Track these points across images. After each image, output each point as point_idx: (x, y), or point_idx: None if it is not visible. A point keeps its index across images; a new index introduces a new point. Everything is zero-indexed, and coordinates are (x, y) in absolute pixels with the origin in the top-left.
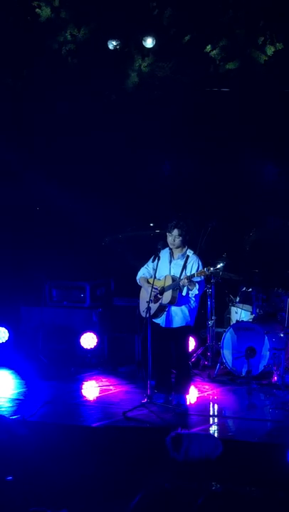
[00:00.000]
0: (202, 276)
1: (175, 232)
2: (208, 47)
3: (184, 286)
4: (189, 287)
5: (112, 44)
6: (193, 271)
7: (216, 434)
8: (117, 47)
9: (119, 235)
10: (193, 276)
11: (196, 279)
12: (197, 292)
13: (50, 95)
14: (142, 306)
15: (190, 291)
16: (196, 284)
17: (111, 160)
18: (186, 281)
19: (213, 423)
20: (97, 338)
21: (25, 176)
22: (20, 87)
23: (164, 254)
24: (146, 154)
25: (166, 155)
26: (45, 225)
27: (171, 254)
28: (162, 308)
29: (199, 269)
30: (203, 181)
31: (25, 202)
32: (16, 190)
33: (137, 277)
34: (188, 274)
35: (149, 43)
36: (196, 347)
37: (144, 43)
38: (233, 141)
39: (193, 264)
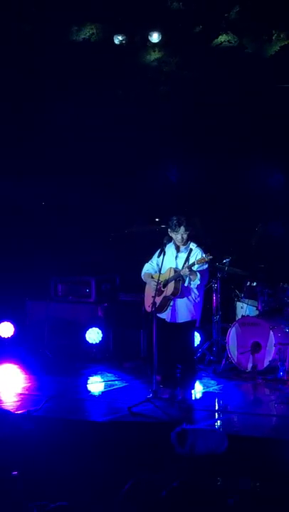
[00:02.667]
0: (204, 266)
1: (182, 229)
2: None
3: (185, 275)
4: (191, 277)
5: (117, 39)
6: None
7: (221, 429)
8: (123, 42)
9: (124, 230)
10: (193, 264)
11: (198, 267)
12: (199, 282)
13: (55, 92)
14: (147, 302)
15: (192, 282)
16: (198, 274)
17: (117, 156)
18: (186, 270)
19: (219, 418)
20: (103, 333)
21: (31, 171)
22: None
23: (169, 248)
24: (153, 150)
25: (173, 150)
26: (50, 220)
27: (176, 249)
28: (166, 301)
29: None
30: (209, 178)
31: (30, 197)
32: (21, 186)
33: (142, 274)
34: (185, 267)
35: (155, 37)
36: (202, 342)
37: (150, 38)
38: (240, 141)
39: (197, 256)
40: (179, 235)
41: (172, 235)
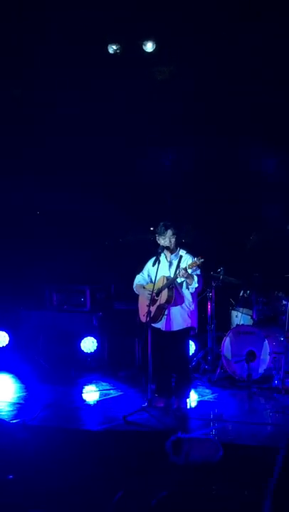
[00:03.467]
0: (197, 271)
1: (169, 232)
2: None
3: (182, 277)
4: (187, 280)
5: (112, 48)
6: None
7: (216, 438)
8: (117, 51)
9: (119, 239)
10: (185, 269)
11: (191, 273)
12: (197, 285)
13: (51, 97)
14: (142, 312)
15: (190, 286)
16: (195, 277)
17: (112, 164)
18: (184, 273)
19: (214, 427)
20: (98, 342)
21: (26, 180)
22: (20, 89)
23: (163, 257)
24: (148, 160)
25: (166, 154)
26: (45, 229)
27: (166, 257)
28: (161, 310)
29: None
30: (204, 187)
31: (25, 206)
32: (16, 194)
33: (134, 286)
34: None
35: (149, 47)
36: (197, 351)
37: (144, 47)
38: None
39: (187, 262)
40: (166, 238)
41: (160, 240)
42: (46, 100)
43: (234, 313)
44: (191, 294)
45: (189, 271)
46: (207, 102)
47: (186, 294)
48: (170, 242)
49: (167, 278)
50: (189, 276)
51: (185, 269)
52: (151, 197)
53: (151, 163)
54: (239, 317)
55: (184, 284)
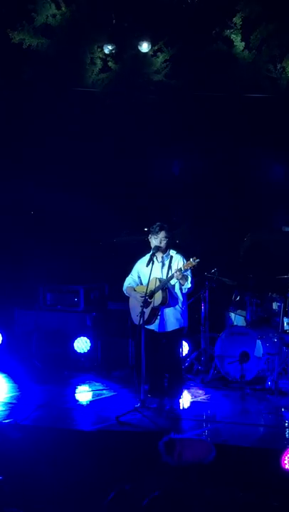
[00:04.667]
0: (190, 274)
1: (162, 234)
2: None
3: (177, 279)
4: (181, 281)
5: (107, 48)
6: (180, 267)
7: (208, 439)
8: (113, 51)
9: (113, 239)
10: (180, 270)
11: (185, 274)
12: (190, 286)
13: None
14: (134, 314)
15: (183, 287)
16: (188, 277)
17: (106, 164)
18: (179, 274)
19: (206, 428)
20: (91, 342)
21: (19, 180)
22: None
23: (155, 258)
24: (142, 158)
25: (164, 160)
26: (39, 229)
27: (157, 258)
28: (155, 312)
29: (184, 263)
30: (198, 189)
31: (19, 206)
32: (10, 195)
33: (124, 288)
34: (174, 272)
35: (145, 47)
36: (190, 351)
37: (140, 48)
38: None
39: (178, 262)
40: (158, 239)
41: (152, 239)
42: (45, 99)
43: (228, 314)
44: (182, 294)
45: (186, 272)
46: (201, 105)
47: (178, 294)
48: (161, 242)
49: (160, 280)
50: (183, 277)
51: (180, 270)
52: (146, 197)
53: (146, 164)
54: (233, 318)
55: (177, 285)
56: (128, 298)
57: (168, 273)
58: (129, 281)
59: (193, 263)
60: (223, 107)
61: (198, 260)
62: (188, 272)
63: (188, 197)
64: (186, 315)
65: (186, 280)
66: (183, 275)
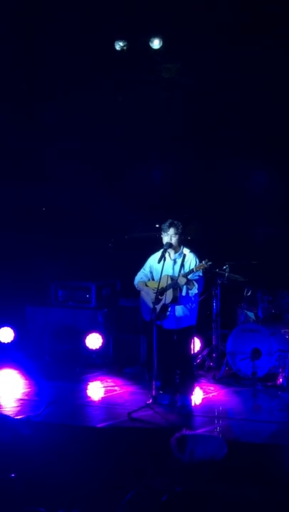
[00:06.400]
0: (201, 274)
1: (171, 231)
2: None
3: (182, 285)
4: (188, 287)
5: (118, 45)
6: (192, 267)
7: (220, 436)
8: (124, 48)
9: (125, 235)
10: (192, 271)
11: (195, 275)
12: (197, 291)
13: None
14: (144, 310)
15: (190, 291)
16: (195, 284)
17: (119, 162)
18: (183, 279)
19: (218, 424)
20: (103, 338)
21: (31, 176)
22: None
23: (167, 255)
24: (155, 157)
25: (174, 157)
26: (51, 226)
27: (169, 255)
28: (165, 309)
29: (197, 264)
30: (210, 185)
31: (31, 202)
32: (22, 191)
33: (135, 282)
34: (186, 271)
35: (156, 44)
36: (202, 348)
37: (151, 44)
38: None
39: (191, 262)
40: (168, 235)
41: (163, 236)
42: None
43: (240, 310)
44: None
45: (196, 275)
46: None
47: (191, 295)
48: (171, 239)
49: (172, 278)
50: (189, 283)
51: (185, 275)
52: (158, 193)
53: (158, 158)
54: (245, 315)
55: (185, 288)
56: (139, 292)
57: (180, 271)
58: (141, 275)
59: (205, 265)
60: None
61: (210, 263)
62: (199, 273)
63: (198, 193)
64: (195, 313)
65: (193, 285)
66: (188, 280)
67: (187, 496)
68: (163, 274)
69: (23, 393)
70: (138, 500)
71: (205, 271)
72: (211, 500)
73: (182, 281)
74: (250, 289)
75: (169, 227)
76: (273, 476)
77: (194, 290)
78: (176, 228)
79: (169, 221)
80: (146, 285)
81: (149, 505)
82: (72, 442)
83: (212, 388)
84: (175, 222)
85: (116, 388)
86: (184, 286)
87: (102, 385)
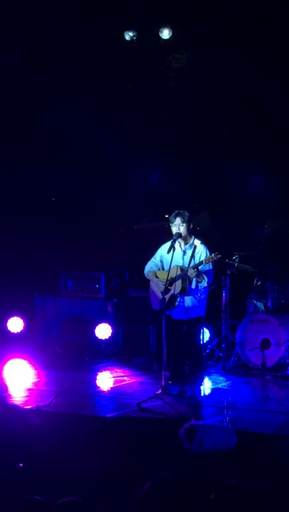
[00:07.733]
0: (211, 266)
1: (178, 220)
2: None
3: (192, 277)
4: (198, 279)
5: (128, 35)
6: (202, 259)
7: (230, 426)
8: (134, 38)
9: (134, 226)
10: (201, 263)
11: (205, 267)
12: (206, 285)
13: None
14: (153, 300)
15: (199, 284)
16: (205, 277)
17: (128, 152)
18: (193, 272)
19: (227, 414)
20: (112, 328)
21: (40, 165)
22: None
23: (177, 245)
24: (163, 148)
25: (183, 149)
26: (60, 216)
27: (180, 245)
28: (174, 299)
29: (207, 256)
30: (219, 176)
31: (41, 192)
32: (31, 180)
33: (145, 271)
34: (196, 263)
35: (166, 34)
36: (211, 338)
37: (160, 35)
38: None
39: (202, 254)
40: (176, 225)
41: (171, 227)
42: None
43: (249, 301)
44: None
45: (206, 266)
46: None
47: (200, 287)
48: (179, 229)
49: (181, 268)
50: (199, 275)
51: (195, 267)
52: (166, 184)
53: (168, 149)
54: (254, 305)
55: (194, 281)
56: (148, 282)
57: (190, 262)
58: (151, 265)
59: (215, 258)
60: None
61: (219, 256)
62: (209, 266)
63: (206, 183)
64: (204, 304)
65: (203, 278)
66: (198, 273)
67: (187, 486)
68: (172, 264)
69: (33, 383)
70: (154, 492)
71: (214, 262)
72: (222, 490)
73: (192, 273)
74: (259, 279)
75: (176, 216)
76: (282, 466)
77: (204, 283)
78: (182, 217)
79: (176, 211)
80: (156, 276)
81: (166, 498)
82: (82, 432)
83: (221, 378)
84: (181, 211)
85: (125, 378)
86: (194, 279)
87: (112, 375)
